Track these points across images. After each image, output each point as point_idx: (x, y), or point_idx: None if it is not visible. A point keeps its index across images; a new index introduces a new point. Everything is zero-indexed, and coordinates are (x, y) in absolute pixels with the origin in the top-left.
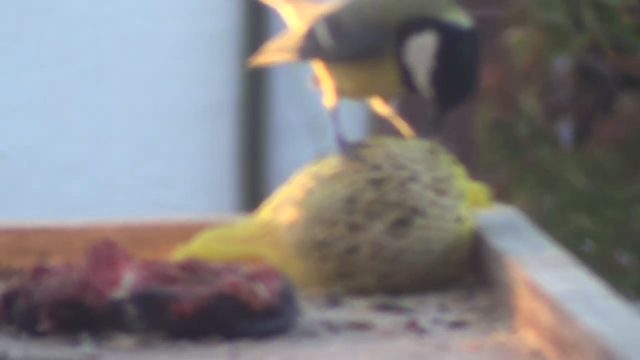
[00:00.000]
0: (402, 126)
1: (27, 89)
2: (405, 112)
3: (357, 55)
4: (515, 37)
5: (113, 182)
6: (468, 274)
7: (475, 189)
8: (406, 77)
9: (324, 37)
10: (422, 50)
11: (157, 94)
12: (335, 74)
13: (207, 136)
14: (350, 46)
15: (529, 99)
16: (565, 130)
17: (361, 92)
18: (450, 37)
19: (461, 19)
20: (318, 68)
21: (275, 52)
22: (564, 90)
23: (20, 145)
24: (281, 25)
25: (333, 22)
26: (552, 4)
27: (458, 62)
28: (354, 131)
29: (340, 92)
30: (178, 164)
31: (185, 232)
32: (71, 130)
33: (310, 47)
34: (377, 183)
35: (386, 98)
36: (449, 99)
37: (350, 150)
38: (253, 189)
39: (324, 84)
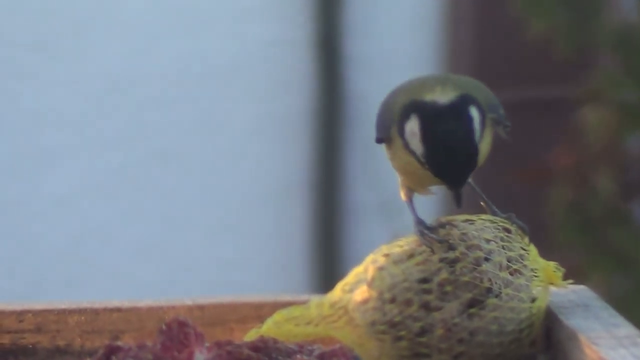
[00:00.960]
0: (485, 206)
1: (101, 170)
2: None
3: (378, 141)
4: (589, 116)
5: (185, 263)
6: (542, 353)
7: (549, 268)
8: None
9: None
10: (414, 135)
11: (230, 174)
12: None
13: (280, 216)
14: (377, 129)
15: (603, 179)
16: (639, 210)
17: (408, 182)
18: (426, 117)
19: (445, 95)
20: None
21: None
22: (638, 169)
23: (94, 226)
24: (355, 102)
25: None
26: (626, 83)
27: (438, 139)
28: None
29: (405, 186)
30: (251, 244)
31: (258, 312)
32: (144, 211)
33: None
34: (451, 263)
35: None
36: (448, 174)
37: (428, 232)
38: (326, 269)
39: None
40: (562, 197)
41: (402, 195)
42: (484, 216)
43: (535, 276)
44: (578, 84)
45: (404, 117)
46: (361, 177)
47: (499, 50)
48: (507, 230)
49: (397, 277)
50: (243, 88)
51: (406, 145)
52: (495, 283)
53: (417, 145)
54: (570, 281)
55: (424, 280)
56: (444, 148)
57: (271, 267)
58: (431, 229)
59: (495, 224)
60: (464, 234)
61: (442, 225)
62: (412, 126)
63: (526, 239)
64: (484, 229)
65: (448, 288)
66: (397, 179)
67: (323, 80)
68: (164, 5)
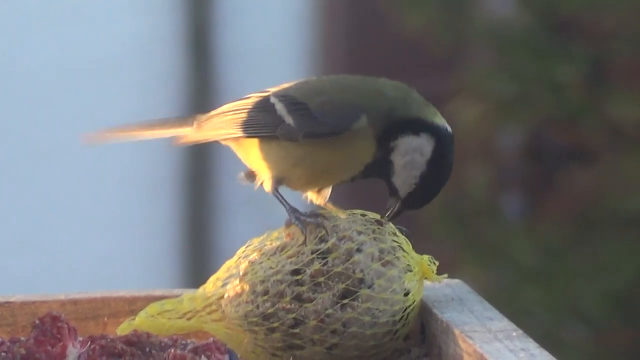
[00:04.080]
0: (339, 211)
1: None
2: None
3: (329, 133)
4: (463, 111)
5: (58, 258)
6: (416, 347)
7: (423, 262)
8: (377, 167)
9: (284, 113)
10: (415, 152)
11: (103, 169)
12: (286, 156)
13: (152, 211)
14: (320, 124)
15: (475, 173)
16: (512, 204)
17: (310, 177)
18: (443, 145)
19: (445, 122)
20: (259, 153)
21: (219, 127)
22: (510, 164)
23: None
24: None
25: (288, 100)
26: (499, 78)
27: (445, 170)
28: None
29: (282, 180)
30: (124, 239)
31: (131, 307)
32: (17, 205)
33: (272, 122)
34: (323, 254)
35: (328, 185)
36: (419, 202)
37: (305, 219)
38: (198, 263)
39: (263, 173)
40: None
41: (268, 187)
42: (355, 210)
43: (409, 270)
44: (451, 79)
45: (403, 130)
46: (231, 171)
47: (372, 44)
48: (379, 223)
49: (269, 269)
50: (116, 83)
51: (385, 153)
52: (368, 274)
53: (417, 163)
54: (445, 275)
55: (296, 272)
56: (445, 178)
57: (143, 262)
58: (307, 215)
59: (366, 217)
60: (335, 225)
61: (315, 215)
62: (419, 145)
63: (399, 232)
64: (355, 221)
65: (320, 279)
66: (264, 172)
67: (196, 75)
68: (32, 3)
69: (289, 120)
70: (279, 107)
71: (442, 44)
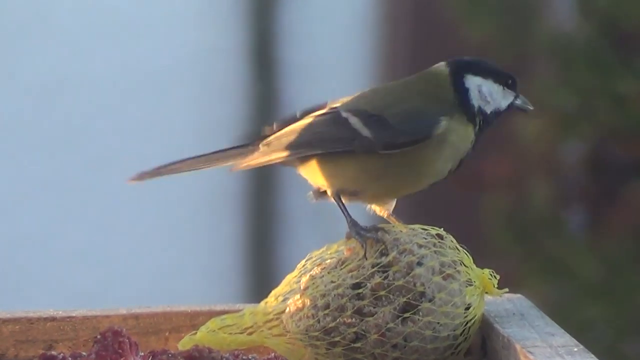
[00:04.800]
0: (399, 224)
1: (36, 176)
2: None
3: (410, 142)
4: (526, 124)
5: (120, 272)
6: None
7: (483, 276)
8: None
9: (359, 127)
10: (480, 87)
11: (165, 182)
12: (365, 170)
13: (214, 225)
14: (400, 134)
15: (538, 187)
16: (574, 218)
17: (392, 189)
18: (476, 63)
19: None
20: (331, 170)
21: (289, 147)
22: (573, 178)
23: (28, 234)
24: (289, 109)
25: (362, 114)
26: (562, 92)
27: (494, 65)
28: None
29: (355, 193)
30: (186, 253)
31: (193, 322)
32: (78, 218)
33: (346, 137)
34: (384, 268)
35: (404, 195)
36: (516, 84)
37: (365, 233)
38: (260, 278)
39: (333, 187)
40: (498, 205)
41: (331, 195)
42: (415, 225)
43: (470, 283)
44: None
45: (462, 72)
46: (294, 184)
47: (435, 55)
48: (440, 237)
49: (330, 283)
50: (178, 95)
51: (479, 110)
52: (429, 287)
53: (495, 88)
54: (506, 290)
55: (357, 286)
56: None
57: (205, 276)
58: (367, 230)
59: (427, 231)
60: (396, 239)
61: (375, 230)
62: (476, 82)
63: (460, 246)
64: (416, 234)
65: (381, 293)
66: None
67: (258, 87)
68: (99, 11)
69: (365, 132)
70: (354, 121)
71: (504, 56)
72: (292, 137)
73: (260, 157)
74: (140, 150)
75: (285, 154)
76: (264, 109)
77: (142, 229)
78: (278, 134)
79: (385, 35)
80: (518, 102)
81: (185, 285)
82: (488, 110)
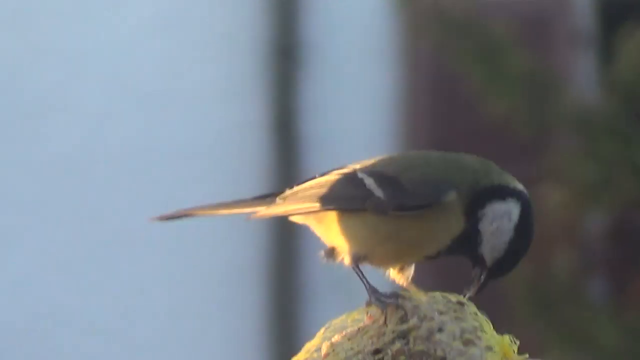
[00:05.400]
0: (420, 292)
1: (59, 250)
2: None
3: (420, 206)
4: (549, 195)
5: (144, 344)
6: None
7: (503, 342)
8: (463, 239)
9: (373, 187)
10: (503, 218)
11: (187, 255)
12: (375, 232)
13: (236, 296)
14: (411, 197)
15: (561, 257)
16: (597, 288)
17: (396, 253)
18: (528, 208)
19: (523, 187)
20: (343, 229)
21: (303, 200)
22: (596, 248)
23: (51, 306)
24: None
25: (378, 175)
26: (585, 163)
27: (531, 233)
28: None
29: (365, 257)
30: (208, 324)
31: None
32: (102, 291)
33: (360, 196)
34: (404, 334)
35: (412, 262)
36: (505, 269)
37: (385, 300)
38: (282, 348)
39: (345, 248)
40: (521, 275)
41: (348, 262)
42: (435, 292)
43: (490, 349)
44: (537, 164)
45: (490, 198)
46: (315, 254)
47: (456, 129)
48: (460, 304)
49: (350, 350)
50: (200, 170)
51: (473, 223)
52: (449, 353)
53: (505, 228)
54: (526, 355)
55: (378, 352)
56: (530, 242)
57: (228, 346)
58: (387, 296)
59: (447, 298)
60: (416, 305)
61: (395, 296)
62: (509, 209)
63: (480, 312)
64: (437, 301)
65: (402, 358)
66: (347, 247)
67: (281, 161)
68: (120, 87)
69: (378, 193)
70: (369, 182)
71: (527, 129)
72: (308, 192)
73: (277, 208)
74: (162, 226)
75: (300, 207)
76: (287, 182)
77: (166, 301)
78: (296, 188)
79: (406, 109)
80: (483, 272)
81: (209, 356)
82: (481, 227)
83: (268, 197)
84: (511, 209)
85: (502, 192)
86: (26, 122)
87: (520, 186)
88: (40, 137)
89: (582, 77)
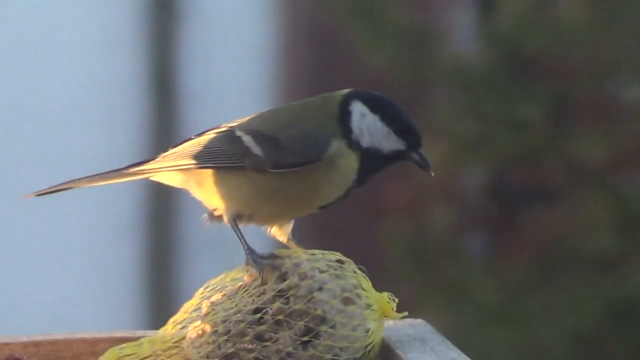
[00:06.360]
0: (299, 249)
1: None
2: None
3: (300, 163)
4: (425, 151)
5: (20, 300)
6: None
7: (382, 299)
8: (367, 161)
9: (251, 145)
10: (362, 117)
11: (65, 211)
12: (257, 191)
13: (113, 253)
14: (290, 155)
15: (438, 213)
16: (474, 244)
17: (282, 210)
18: (373, 96)
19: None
20: (223, 188)
21: (181, 158)
22: (473, 204)
23: None
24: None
25: (256, 134)
26: (464, 118)
27: (395, 109)
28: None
29: (249, 217)
30: (84, 281)
31: (93, 349)
32: None
33: (238, 153)
34: (284, 293)
35: (305, 214)
36: (415, 137)
37: (262, 261)
38: (159, 305)
39: (225, 207)
40: (399, 232)
41: (227, 219)
42: (315, 250)
43: (370, 307)
44: (415, 117)
45: (346, 106)
46: (192, 213)
47: (335, 83)
48: (340, 262)
49: (230, 309)
50: (79, 125)
51: (356, 139)
52: (329, 312)
53: (373, 125)
54: (405, 313)
55: (258, 311)
56: (401, 113)
57: (105, 304)
58: (264, 257)
59: (326, 256)
60: (296, 264)
61: (274, 257)
62: (360, 110)
63: (360, 270)
64: (317, 259)
65: (281, 317)
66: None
67: (158, 116)
68: (0, 41)
69: (256, 150)
70: (247, 139)
71: (404, 82)
72: (186, 150)
73: (154, 164)
74: (39, 181)
75: (177, 163)
76: (164, 138)
77: (42, 256)
78: (175, 149)
79: (285, 64)
80: (414, 155)
81: (85, 313)
82: (364, 143)
83: (146, 163)
84: (360, 108)
85: (346, 103)
86: None
87: (349, 90)
88: None
89: (462, 31)
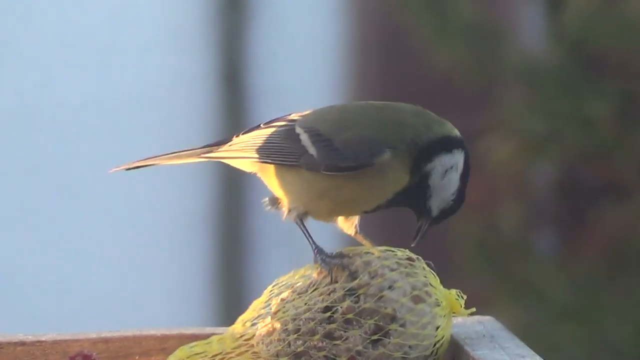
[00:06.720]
0: (367, 243)
1: (4, 203)
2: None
3: (350, 167)
4: (494, 148)
5: (89, 296)
6: None
7: (450, 296)
8: (407, 194)
9: (307, 144)
10: (452, 170)
11: (134, 207)
12: (309, 188)
13: (183, 249)
14: (343, 158)
15: (507, 210)
16: (544, 241)
17: (333, 209)
18: (469, 156)
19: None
20: (283, 182)
21: (245, 150)
22: (543, 201)
23: (3, 262)
24: None
25: (313, 132)
26: (533, 115)
27: (468, 179)
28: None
29: (307, 212)
30: (154, 277)
31: (162, 345)
32: (47, 244)
33: (295, 152)
34: (354, 291)
35: (352, 216)
36: (447, 217)
37: (330, 260)
38: (228, 301)
39: (287, 202)
40: (469, 229)
41: (292, 218)
42: (384, 247)
43: (438, 304)
44: (483, 116)
45: (437, 152)
46: (261, 208)
47: (404, 81)
48: (410, 259)
49: (300, 307)
50: (148, 122)
51: (421, 179)
52: (399, 310)
53: (453, 180)
54: (473, 309)
55: (328, 309)
56: (467, 185)
57: (174, 300)
58: (332, 256)
59: (396, 254)
60: (366, 262)
61: (342, 256)
62: (456, 161)
63: (429, 268)
64: (387, 257)
65: (351, 316)
66: (288, 201)
67: (227, 113)
68: (70, 39)
69: (312, 151)
70: (304, 138)
71: (473, 81)
72: (250, 142)
73: (222, 152)
74: (109, 178)
75: (242, 155)
76: (233, 134)
77: (112, 253)
78: (242, 137)
79: (353, 62)
80: (426, 223)
81: (154, 310)
82: (432, 182)
83: (217, 146)
84: (457, 160)
85: (447, 144)
86: None
87: (458, 133)
88: None
89: (530, 28)
